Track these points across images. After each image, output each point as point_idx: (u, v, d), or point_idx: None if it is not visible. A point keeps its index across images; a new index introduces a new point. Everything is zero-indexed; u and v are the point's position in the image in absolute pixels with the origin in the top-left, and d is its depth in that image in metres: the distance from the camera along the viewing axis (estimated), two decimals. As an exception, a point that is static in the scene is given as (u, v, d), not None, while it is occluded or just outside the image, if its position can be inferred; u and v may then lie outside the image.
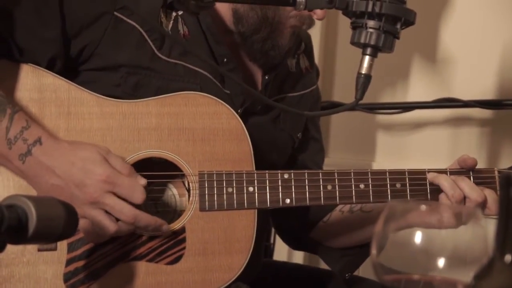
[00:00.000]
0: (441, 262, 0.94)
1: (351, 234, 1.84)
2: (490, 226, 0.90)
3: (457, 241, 0.95)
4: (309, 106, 1.95)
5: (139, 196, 1.50)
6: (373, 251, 0.98)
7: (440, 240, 0.95)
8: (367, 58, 1.56)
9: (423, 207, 0.96)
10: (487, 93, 2.40)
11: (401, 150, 2.59)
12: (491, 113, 2.41)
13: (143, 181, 1.52)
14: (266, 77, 1.80)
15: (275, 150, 1.80)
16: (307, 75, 1.95)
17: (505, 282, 0.85)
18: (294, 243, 2.04)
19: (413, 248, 0.95)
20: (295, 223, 1.93)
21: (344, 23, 1.68)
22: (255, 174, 1.61)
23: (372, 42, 1.54)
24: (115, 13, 1.61)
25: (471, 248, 0.94)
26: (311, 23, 1.76)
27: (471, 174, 1.67)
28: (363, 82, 1.57)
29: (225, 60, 1.71)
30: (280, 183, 1.62)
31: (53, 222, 1.16)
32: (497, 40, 2.39)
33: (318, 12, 1.69)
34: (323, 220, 1.91)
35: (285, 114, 1.85)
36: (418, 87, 2.57)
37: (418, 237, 0.95)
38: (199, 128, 1.60)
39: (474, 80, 2.43)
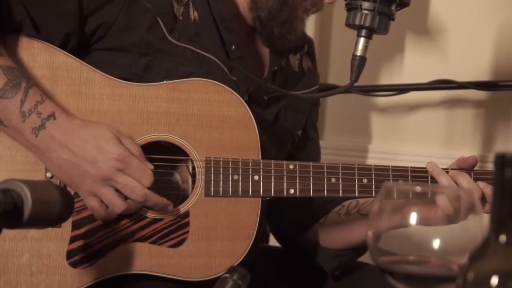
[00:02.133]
0: (436, 244, 0.95)
1: (347, 236, 1.83)
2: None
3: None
4: (309, 107, 1.97)
5: (148, 179, 1.52)
6: (369, 233, 0.99)
7: (436, 222, 0.96)
8: (362, 40, 1.57)
9: (418, 188, 0.97)
10: (482, 74, 2.39)
11: (397, 132, 2.58)
12: (486, 95, 2.40)
13: (150, 165, 1.54)
14: (275, 68, 1.82)
15: (274, 145, 1.81)
16: (309, 76, 1.97)
17: (500, 263, 0.85)
18: (288, 244, 2.03)
19: (408, 229, 0.96)
20: (291, 224, 1.94)
21: (339, 4, 1.69)
22: (261, 163, 1.63)
23: (367, 24, 1.55)
24: None
25: (466, 229, 0.95)
26: (319, 8, 1.78)
27: (471, 174, 1.67)
28: (358, 64, 1.58)
29: (233, 47, 1.73)
30: (285, 173, 1.63)
31: (48, 206, 1.17)
32: (492, 21, 2.38)
33: None
34: (319, 222, 1.91)
35: (285, 111, 1.87)
36: (413, 69, 2.56)
37: (413, 218, 0.96)
38: (207, 115, 1.62)
39: (469, 62, 2.42)
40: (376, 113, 2.67)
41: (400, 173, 1.66)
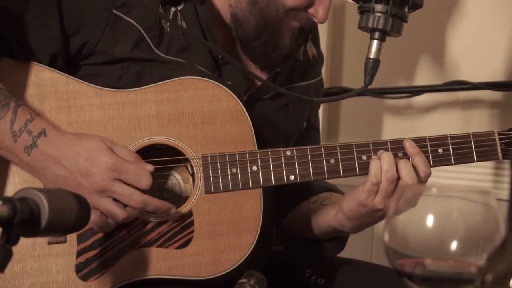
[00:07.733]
0: (453, 245, 0.95)
1: (309, 226, 1.78)
2: (502, 208, 0.91)
3: (469, 224, 0.96)
4: (315, 95, 1.92)
5: (145, 181, 1.51)
6: (385, 235, 0.98)
7: (452, 223, 0.96)
8: (375, 42, 1.57)
9: (434, 190, 0.97)
10: (497, 75, 2.39)
11: (411, 134, 2.53)
12: (501, 95, 2.40)
13: (149, 167, 1.53)
14: (278, 70, 1.77)
15: (280, 138, 1.78)
16: (314, 64, 1.92)
17: (518, 263, 0.86)
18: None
19: (425, 232, 0.96)
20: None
21: (351, 8, 1.67)
22: (258, 153, 1.62)
23: (380, 26, 1.54)
24: (114, 11, 1.60)
25: (484, 230, 0.94)
26: (310, 24, 1.71)
27: (471, 138, 1.67)
28: (372, 66, 1.58)
29: (219, 56, 1.69)
30: (283, 161, 1.62)
31: (65, 214, 1.18)
32: (506, 21, 2.38)
33: (320, 14, 1.64)
34: (294, 209, 1.86)
35: (294, 105, 1.83)
36: (427, 71, 2.55)
37: (430, 220, 0.96)
38: (198, 112, 1.61)
39: (484, 62, 2.41)
40: (390, 115, 2.66)
41: (398, 145, 1.66)
